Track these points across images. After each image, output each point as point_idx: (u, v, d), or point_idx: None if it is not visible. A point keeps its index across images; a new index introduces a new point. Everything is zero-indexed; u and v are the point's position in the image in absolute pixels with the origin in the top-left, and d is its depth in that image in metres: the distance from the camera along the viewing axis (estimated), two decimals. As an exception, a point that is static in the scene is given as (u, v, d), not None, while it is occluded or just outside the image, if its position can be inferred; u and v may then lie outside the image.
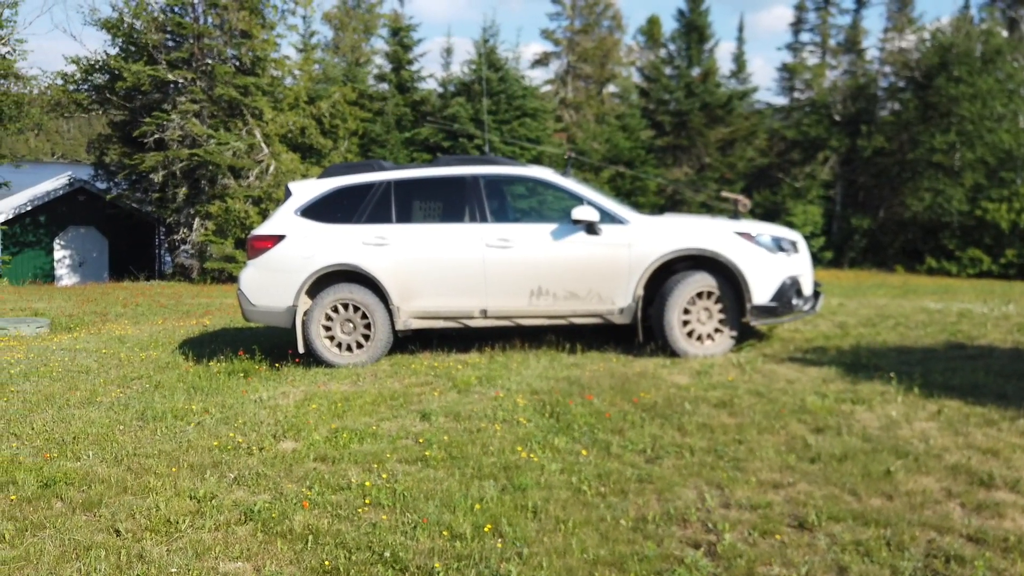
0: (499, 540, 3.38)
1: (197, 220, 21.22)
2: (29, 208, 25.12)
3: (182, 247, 21.79)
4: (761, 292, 6.35)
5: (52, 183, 26.84)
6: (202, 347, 8.35)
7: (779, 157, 34.88)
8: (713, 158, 31.66)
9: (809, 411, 4.87)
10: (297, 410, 5.51)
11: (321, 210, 6.99)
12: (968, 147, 31.28)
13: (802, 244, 6.76)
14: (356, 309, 6.81)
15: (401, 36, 25.61)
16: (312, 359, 6.97)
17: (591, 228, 6.51)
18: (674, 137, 31.78)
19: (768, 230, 6.59)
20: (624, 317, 6.57)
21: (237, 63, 22.11)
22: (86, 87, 22.59)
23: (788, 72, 43.40)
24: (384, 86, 25.37)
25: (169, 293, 17.10)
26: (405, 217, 6.91)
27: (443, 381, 6.09)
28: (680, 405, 5.10)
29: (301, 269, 6.82)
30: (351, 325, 6.86)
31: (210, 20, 21.68)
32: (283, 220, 7.01)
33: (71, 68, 22.09)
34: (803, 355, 6.40)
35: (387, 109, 23.71)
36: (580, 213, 6.46)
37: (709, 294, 6.45)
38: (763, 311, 6.38)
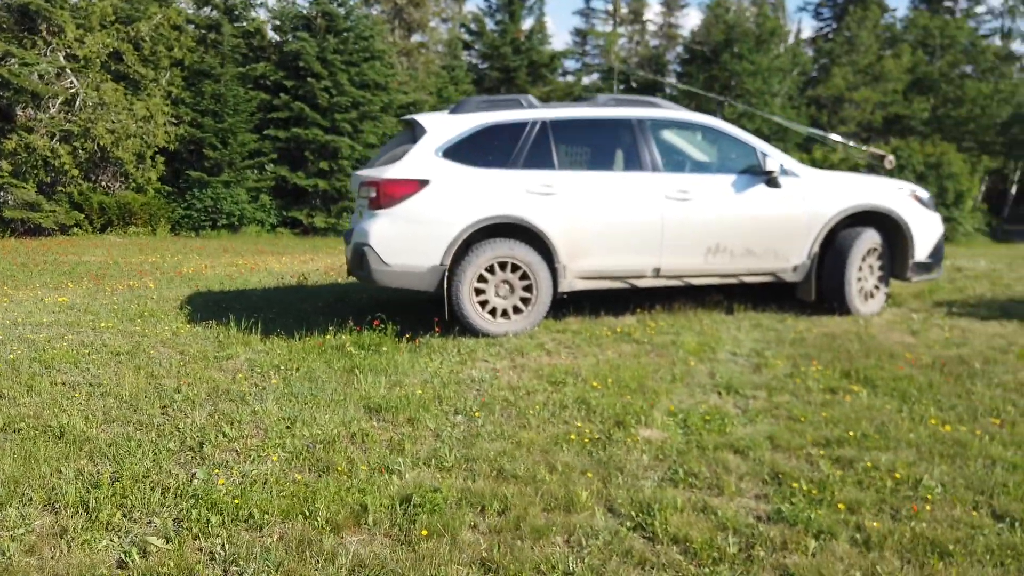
0: None
1: (-17, 158, 16.97)
2: None
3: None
4: (923, 249, 6.50)
5: None
6: (223, 314, 6.66)
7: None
8: (533, 116, 32.03)
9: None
10: (560, 389, 4.62)
11: (468, 151, 5.85)
12: (750, 120, 34.91)
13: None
14: (515, 269, 5.83)
15: (228, -46, 22.27)
16: (456, 328, 5.88)
17: (772, 181, 6.17)
18: (498, 93, 31.61)
19: (919, 188, 6.72)
20: (797, 275, 6.35)
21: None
22: None
23: (581, 37, 45.22)
24: (207, 11, 21.96)
25: (-6, 249, 13.54)
26: (568, 163, 6.02)
27: (663, 349, 5.47)
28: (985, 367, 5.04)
29: (454, 222, 5.67)
30: (507, 287, 5.88)
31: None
32: (423, 161, 5.76)
33: None
34: (962, 310, 6.73)
35: (222, 40, 20.57)
36: (771, 164, 6.09)
37: (874, 251, 6.44)
38: (921, 267, 6.54)
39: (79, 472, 3.57)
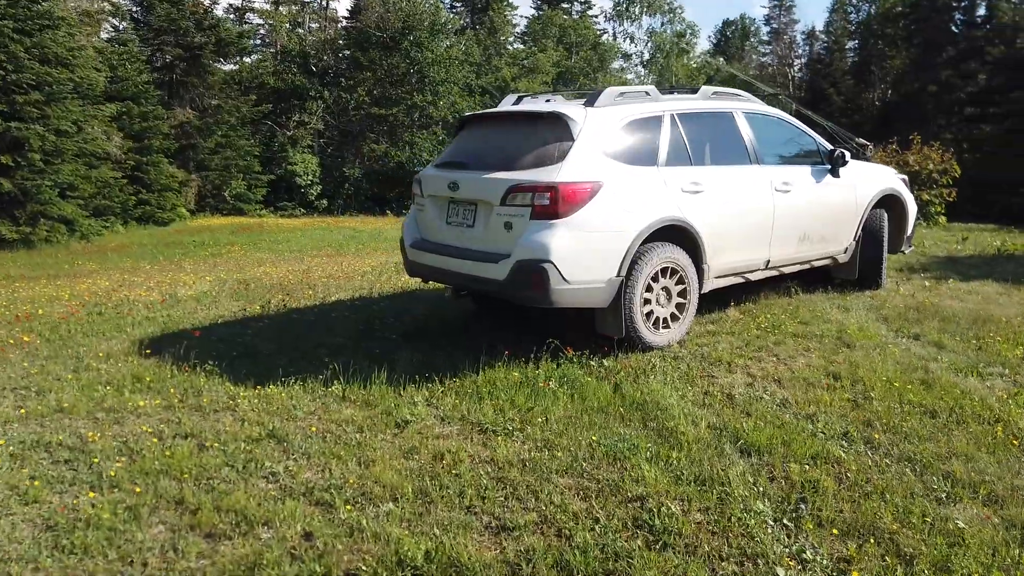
0: None
1: None
2: None
3: None
4: (910, 225, 7.47)
5: None
6: (265, 367, 5.14)
7: (272, 104, 33.78)
8: (221, 100, 28.94)
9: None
10: (861, 397, 4.48)
11: (621, 148, 5.20)
12: (435, 106, 35.70)
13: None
14: (673, 274, 5.40)
15: None
16: (621, 343, 5.27)
17: (835, 170, 6.56)
18: (171, 73, 27.83)
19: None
20: (846, 256, 6.85)
21: None
22: None
23: (238, 15, 41.68)
24: None
25: None
26: (699, 157, 5.69)
27: (839, 340, 5.55)
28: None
29: (630, 228, 5.03)
30: (665, 295, 5.42)
31: None
32: (592, 161, 4.97)
33: None
34: (943, 273, 7.93)
35: None
36: (846, 155, 6.47)
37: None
38: (908, 241, 7.53)
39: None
